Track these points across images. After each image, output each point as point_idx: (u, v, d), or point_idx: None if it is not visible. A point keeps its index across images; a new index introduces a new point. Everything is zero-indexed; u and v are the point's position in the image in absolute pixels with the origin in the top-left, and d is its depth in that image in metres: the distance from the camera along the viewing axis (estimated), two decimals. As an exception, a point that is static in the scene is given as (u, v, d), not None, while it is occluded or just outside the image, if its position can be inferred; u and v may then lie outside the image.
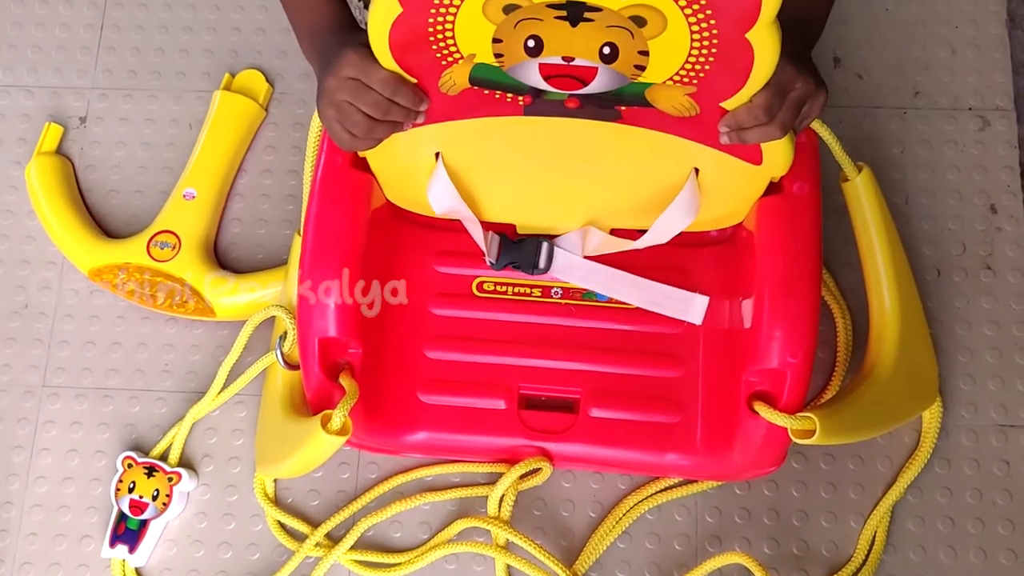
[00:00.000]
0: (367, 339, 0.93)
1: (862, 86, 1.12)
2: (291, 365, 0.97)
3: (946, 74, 1.13)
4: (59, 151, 1.14)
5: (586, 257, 0.97)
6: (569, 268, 0.97)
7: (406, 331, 0.97)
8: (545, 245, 0.97)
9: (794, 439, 0.88)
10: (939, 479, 1.00)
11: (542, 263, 0.97)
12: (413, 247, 0.99)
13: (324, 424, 0.86)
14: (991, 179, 1.09)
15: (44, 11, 1.20)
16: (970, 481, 1.00)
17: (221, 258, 1.10)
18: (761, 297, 0.88)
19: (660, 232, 0.92)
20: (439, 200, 0.91)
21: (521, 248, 0.97)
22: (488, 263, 0.97)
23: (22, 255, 1.11)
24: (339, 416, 0.86)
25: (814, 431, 0.86)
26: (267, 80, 1.15)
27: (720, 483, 1.00)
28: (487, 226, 0.97)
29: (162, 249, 1.06)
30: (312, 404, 0.93)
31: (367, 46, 0.77)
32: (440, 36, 0.75)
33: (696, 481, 1.00)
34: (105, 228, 1.11)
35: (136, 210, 1.12)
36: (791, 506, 1.00)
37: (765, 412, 0.88)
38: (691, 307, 0.96)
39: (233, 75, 1.15)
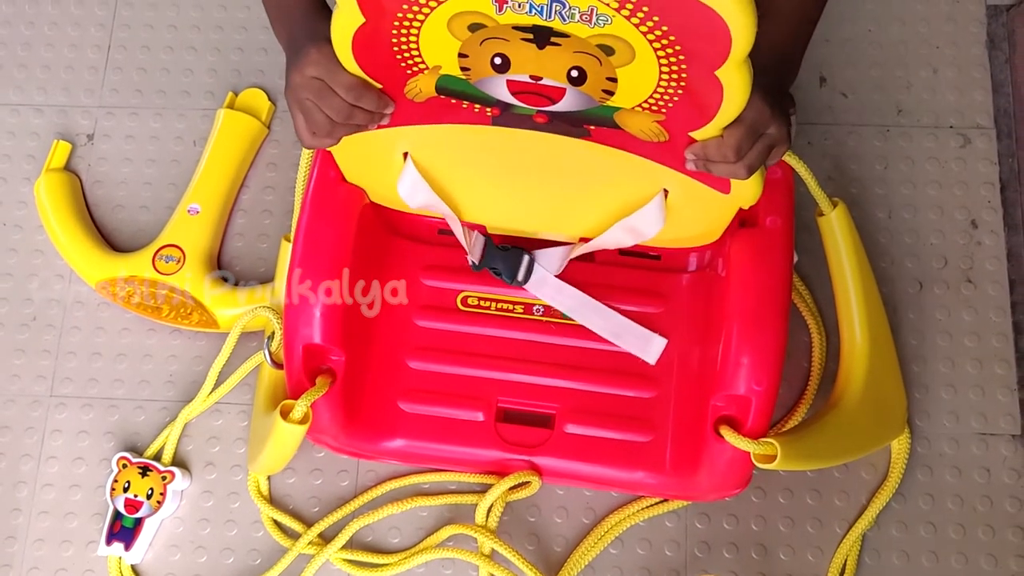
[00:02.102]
0: (351, 347, 0.94)
1: (847, 104, 1.14)
2: (279, 364, 0.98)
3: (928, 93, 1.14)
4: (67, 168, 1.15)
5: (561, 277, 0.97)
6: (541, 284, 0.97)
7: (390, 341, 0.98)
8: (526, 258, 0.97)
9: (756, 463, 0.89)
10: (922, 486, 1.02)
11: (521, 275, 0.97)
12: (400, 259, 0.99)
13: (285, 414, 0.88)
14: (972, 195, 1.10)
15: (53, 32, 1.21)
16: (952, 488, 1.02)
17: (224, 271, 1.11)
18: (731, 326, 0.89)
19: (615, 239, 0.91)
20: (411, 196, 0.90)
21: (506, 256, 0.97)
22: (470, 262, 0.96)
23: (31, 268, 1.12)
24: (301, 406, 0.87)
25: (775, 456, 0.88)
26: (269, 98, 1.16)
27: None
28: (468, 226, 0.96)
29: (167, 263, 1.08)
30: None
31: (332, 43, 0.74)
32: (404, 47, 0.74)
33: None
34: (111, 242, 1.12)
35: (142, 225, 1.13)
36: (778, 513, 1.01)
37: (730, 436, 0.89)
38: (649, 346, 0.97)
39: (236, 94, 1.16)
